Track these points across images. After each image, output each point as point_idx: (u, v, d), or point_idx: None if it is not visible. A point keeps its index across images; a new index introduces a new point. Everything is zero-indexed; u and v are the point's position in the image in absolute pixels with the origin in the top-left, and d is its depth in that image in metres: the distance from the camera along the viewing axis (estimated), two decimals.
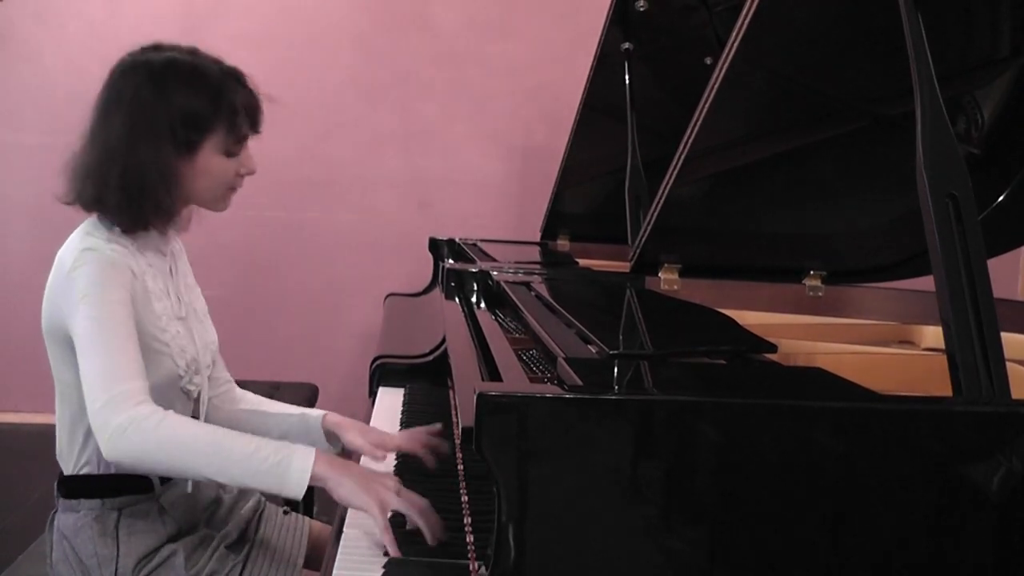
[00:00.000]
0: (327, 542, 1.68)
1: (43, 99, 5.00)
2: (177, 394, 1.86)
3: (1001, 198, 2.25)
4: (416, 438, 1.94)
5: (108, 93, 1.83)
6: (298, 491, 1.61)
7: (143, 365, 1.70)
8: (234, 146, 1.84)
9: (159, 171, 1.77)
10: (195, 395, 1.92)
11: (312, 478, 1.60)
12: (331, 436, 2.02)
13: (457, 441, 2.03)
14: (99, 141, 1.81)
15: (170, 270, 1.92)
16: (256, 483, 1.65)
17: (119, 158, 1.77)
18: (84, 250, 1.74)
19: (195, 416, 1.92)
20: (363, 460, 1.96)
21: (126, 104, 1.79)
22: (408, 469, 1.97)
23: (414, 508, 1.56)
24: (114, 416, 1.61)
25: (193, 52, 1.87)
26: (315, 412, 2.06)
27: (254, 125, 1.88)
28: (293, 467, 1.60)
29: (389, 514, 1.56)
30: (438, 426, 1.98)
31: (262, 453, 1.61)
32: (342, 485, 1.60)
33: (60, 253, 1.80)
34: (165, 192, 1.79)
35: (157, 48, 1.86)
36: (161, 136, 1.77)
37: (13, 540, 2.69)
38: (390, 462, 2.01)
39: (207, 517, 1.99)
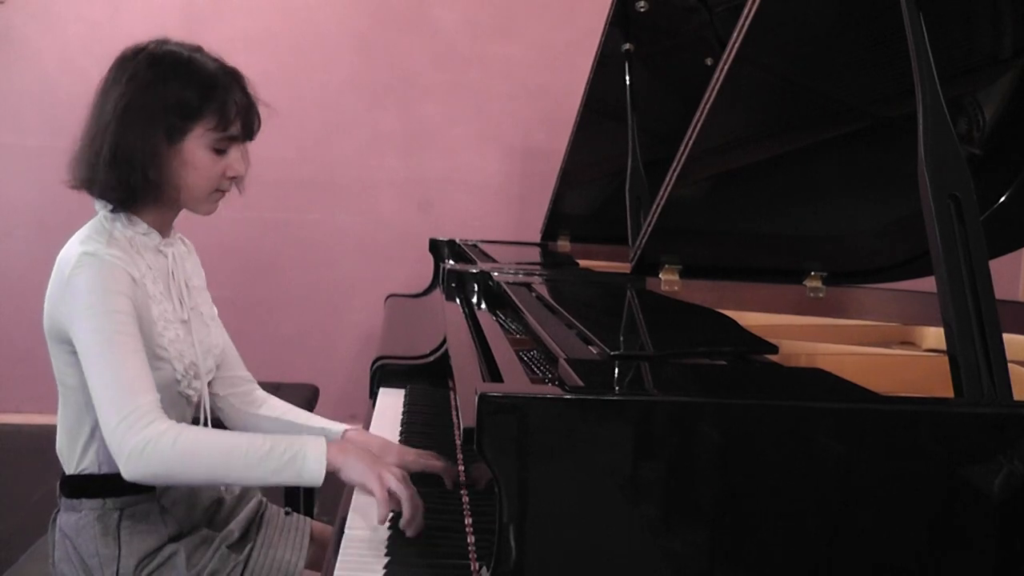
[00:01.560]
0: (328, 543, 1.69)
1: (44, 101, 5.00)
2: (175, 398, 1.87)
3: (1003, 199, 2.25)
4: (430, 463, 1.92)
5: (108, 76, 1.86)
6: (317, 480, 1.67)
7: (151, 375, 1.71)
8: (220, 143, 1.83)
9: (146, 151, 1.78)
10: (194, 399, 1.93)
11: (327, 465, 1.66)
12: None
13: (458, 442, 2.03)
14: (94, 121, 1.84)
15: (171, 272, 1.91)
16: (276, 480, 1.68)
17: (109, 136, 1.79)
18: (83, 254, 1.74)
19: (196, 419, 1.94)
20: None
21: (122, 85, 1.80)
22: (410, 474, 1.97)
23: (404, 492, 1.61)
24: (130, 437, 1.63)
25: (196, 49, 1.89)
26: (336, 428, 2.04)
27: (246, 128, 1.88)
28: (308, 458, 1.66)
29: (388, 487, 1.61)
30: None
31: (277, 450, 1.66)
32: (351, 467, 1.66)
33: (60, 256, 1.80)
34: (154, 172, 1.79)
35: (161, 41, 1.89)
36: (152, 119, 1.78)
37: (15, 540, 2.69)
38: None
39: (208, 517, 1.99)
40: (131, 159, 1.78)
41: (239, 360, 2.13)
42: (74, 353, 1.74)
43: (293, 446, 1.66)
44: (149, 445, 1.62)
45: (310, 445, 1.67)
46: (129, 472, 1.64)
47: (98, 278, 1.72)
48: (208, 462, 1.65)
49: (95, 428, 1.80)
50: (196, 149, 1.81)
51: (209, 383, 1.98)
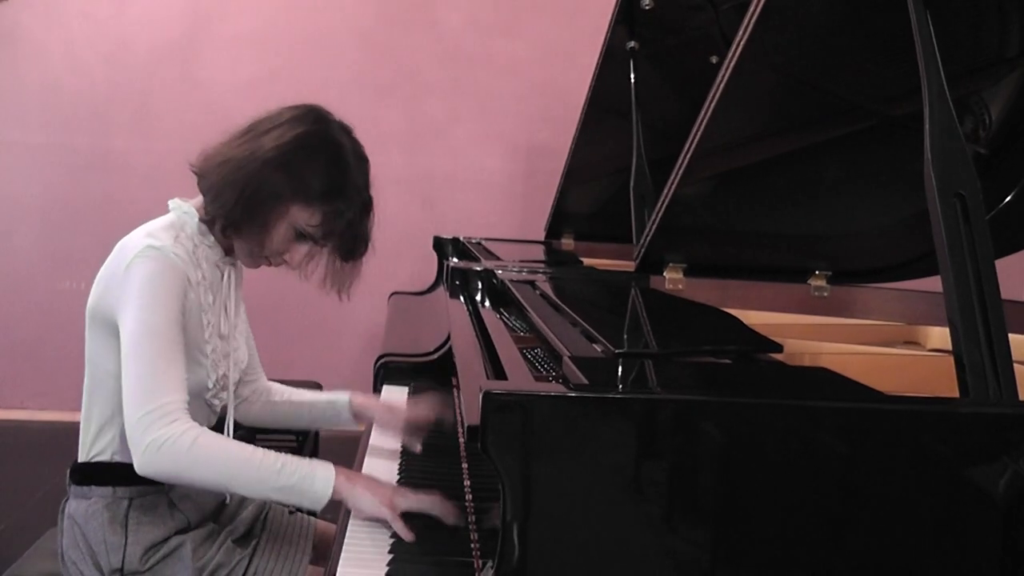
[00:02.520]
0: (332, 540, 1.69)
1: (48, 98, 5.01)
2: (201, 405, 1.90)
3: (1009, 198, 2.25)
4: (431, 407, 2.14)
5: (283, 113, 1.88)
6: (319, 505, 1.70)
7: (184, 376, 1.73)
8: (304, 231, 1.84)
9: (268, 203, 1.81)
10: (217, 409, 1.96)
11: (333, 492, 1.68)
12: (357, 415, 2.18)
13: (461, 440, 2.03)
14: (247, 141, 1.85)
15: (224, 286, 1.94)
16: (280, 497, 1.71)
17: (254, 173, 1.80)
18: (148, 246, 1.76)
19: (219, 427, 1.96)
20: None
21: (288, 137, 1.82)
22: (413, 469, 1.98)
23: (424, 503, 1.66)
24: (149, 432, 1.64)
25: (364, 158, 1.91)
26: (342, 397, 2.20)
27: (339, 247, 1.89)
28: (317, 483, 1.68)
29: (400, 511, 1.65)
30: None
31: (288, 469, 1.68)
32: (357, 498, 1.69)
33: (122, 242, 1.83)
34: (261, 216, 1.81)
35: (346, 128, 1.90)
36: (289, 180, 1.80)
37: (20, 535, 2.69)
38: (394, 466, 2.02)
39: (215, 512, 2.00)
40: (259, 206, 1.80)
41: (258, 362, 2.20)
42: (112, 337, 1.77)
43: (303, 468, 1.68)
44: (167, 443, 1.63)
45: (320, 471, 1.69)
46: (142, 466, 1.65)
47: (157, 272, 1.74)
48: (220, 469, 1.67)
49: (116, 416, 1.81)
50: (284, 218, 1.83)
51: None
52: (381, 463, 2.04)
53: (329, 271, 1.94)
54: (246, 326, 2.11)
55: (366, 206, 1.89)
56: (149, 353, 1.69)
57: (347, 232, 1.86)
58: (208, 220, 1.87)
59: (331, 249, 1.90)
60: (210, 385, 1.88)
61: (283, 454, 1.71)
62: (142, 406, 1.65)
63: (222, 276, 1.94)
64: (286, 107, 1.89)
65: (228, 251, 1.94)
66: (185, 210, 1.89)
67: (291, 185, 1.79)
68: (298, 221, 1.82)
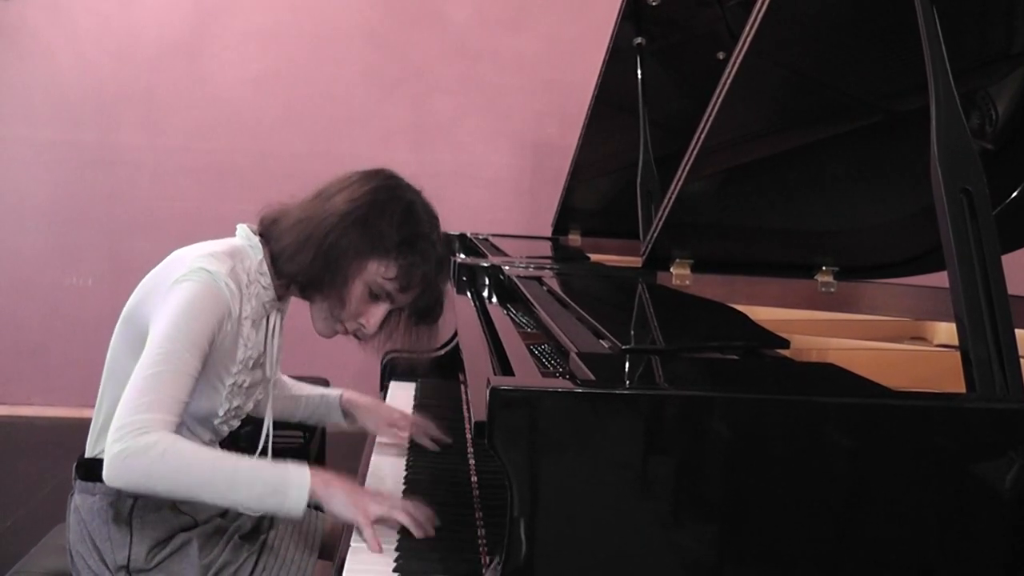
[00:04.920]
0: (340, 535, 1.70)
1: (55, 94, 5.01)
2: (207, 427, 1.89)
3: (1015, 193, 2.25)
4: (423, 429, 2.18)
5: (352, 176, 1.89)
6: (297, 511, 1.67)
7: (184, 400, 1.71)
8: (379, 289, 1.84)
9: (347, 260, 1.80)
10: (225, 433, 1.95)
11: (310, 495, 1.67)
12: (347, 414, 2.22)
13: (468, 436, 2.04)
14: (321, 205, 1.85)
15: (268, 327, 1.93)
16: (256, 506, 1.69)
17: (332, 225, 1.80)
18: (201, 268, 1.75)
19: (256, 434, 1.99)
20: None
21: (361, 192, 1.84)
22: (420, 466, 1.98)
23: (398, 512, 1.65)
24: (120, 442, 1.62)
25: (435, 217, 1.93)
26: (333, 393, 2.26)
27: (413, 304, 1.89)
28: (291, 489, 1.66)
29: (374, 519, 1.64)
30: (448, 440, 2.17)
31: (262, 476, 1.67)
32: (333, 500, 1.68)
33: (179, 253, 1.83)
34: (340, 271, 1.81)
35: (416, 190, 1.93)
36: (364, 236, 1.80)
37: (27, 531, 2.70)
38: (402, 463, 2.03)
39: (222, 509, 2.00)
40: (337, 262, 1.80)
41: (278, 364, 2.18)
42: (139, 341, 1.76)
43: (276, 475, 1.67)
44: (134, 455, 1.61)
45: (293, 476, 1.67)
46: (109, 476, 1.63)
47: (200, 295, 1.73)
48: (188, 480, 1.65)
49: None
50: (361, 275, 1.82)
51: None
52: (388, 460, 2.05)
53: (405, 340, 1.95)
54: (276, 370, 2.09)
55: (441, 262, 1.89)
56: (159, 371, 1.68)
57: (422, 288, 1.86)
58: (283, 285, 1.88)
59: (407, 312, 1.91)
60: (220, 413, 1.86)
61: (259, 461, 1.70)
62: (126, 416, 1.64)
63: (267, 317, 1.92)
64: (355, 171, 1.90)
65: (280, 297, 1.93)
66: (252, 243, 1.88)
67: (368, 239, 1.79)
68: (375, 277, 1.81)
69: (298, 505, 1.66)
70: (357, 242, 1.79)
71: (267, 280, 1.88)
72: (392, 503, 1.67)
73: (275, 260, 1.86)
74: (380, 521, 1.65)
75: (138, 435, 1.62)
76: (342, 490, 1.68)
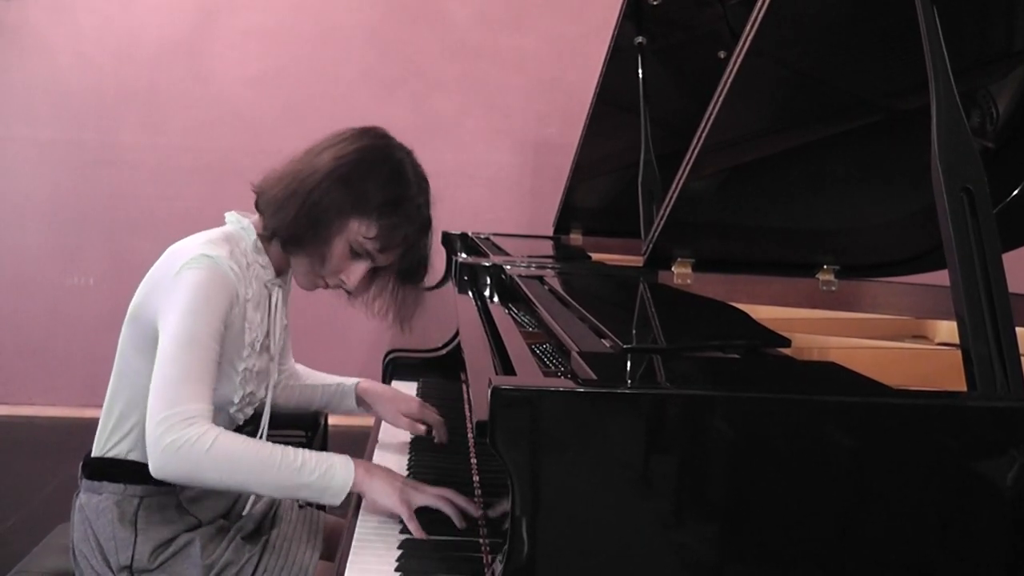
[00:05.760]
0: (342, 534, 1.70)
1: (56, 93, 5.02)
2: (224, 417, 1.90)
3: (1016, 192, 2.25)
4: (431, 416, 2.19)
5: (343, 133, 1.92)
6: (338, 499, 1.70)
7: (212, 388, 1.73)
8: (360, 248, 1.84)
9: (330, 218, 1.81)
10: (240, 421, 1.96)
11: (353, 485, 1.69)
12: (362, 402, 2.24)
13: (470, 436, 2.04)
14: (308, 161, 1.86)
15: (270, 307, 1.94)
16: (301, 495, 1.71)
17: (315, 188, 1.81)
18: (203, 255, 1.76)
19: (256, 424, 1.99)
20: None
21: (349, 152, 1.84)
22: (422, 464, 1.99)
23: (439, 500, 1.67)
24: (169, 434, 1.63)
25: (424, 178, 1.93)
26: (350, 381, 2.26)
27: (400, 264, 1.90)
28: (336, 479, 1.68)
29: (416, 508, 1.66)
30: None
31: (308, 466, 1.67)
32: (375, 491, 1.69)
33: (175, 247, 1.83)
34: (321, 229, 1.82)
35: (407, 149, 1.93)
36: (348, 195, 1.80)
37: (30, 530, 2.70)
38: (403, 462, 2.03)
39: (225, 510, 2.00)
40: (318, 219, 1.80)
41: (289, 347, 2.24)
42: (148, 338, 1.77)
43: (322, 464, 1.68)
44: (186, 445, 1.63)
45: (339, 466, 1.69)
46: (158, 467, 1.65)
47: (207, 281, 1.74)
48: (238, 471, 1.66)
49: (137, 414, 1.83)
50: (342, 234, 1.82)
51: None
52: (390, 457, 2.05)
53: (391, 302, 1.95)
54: (283, 345, 2.11)
55: (425, 224, 1.89)
56: (186, 359, 1.69)
57: (404, 248, 1.86)
58: (266, 236, 1.88)
59: (390, 274, 1.91)
60: (235, 400, 1.87)
61: (301, 450, 1.70)
62: (166, 408, 1.65)
63: (269, 296, 1.93)
64: (348, 128, 1.92)
65: (279, 272, 1.94)
66: (243, 225, 1.89)
67: (350, 198, 1.79)
68: (356, 236, 1.81)
69: (341, 493, 1.68)
70: (339, 201, 1.79)
71: (264, 259, 1.90)
72: (433, 494, 1.68)
73: (261, 215, 1.87)
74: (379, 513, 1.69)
75: (186, 426, 1.64)
76: (384, 480, 1.70)
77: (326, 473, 1.67)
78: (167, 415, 1.64)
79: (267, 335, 1.93)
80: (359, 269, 1.87)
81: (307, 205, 1.79)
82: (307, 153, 1.88)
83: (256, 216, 1.91)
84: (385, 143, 1.90)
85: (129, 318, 1.85)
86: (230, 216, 1.92)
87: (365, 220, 1.81)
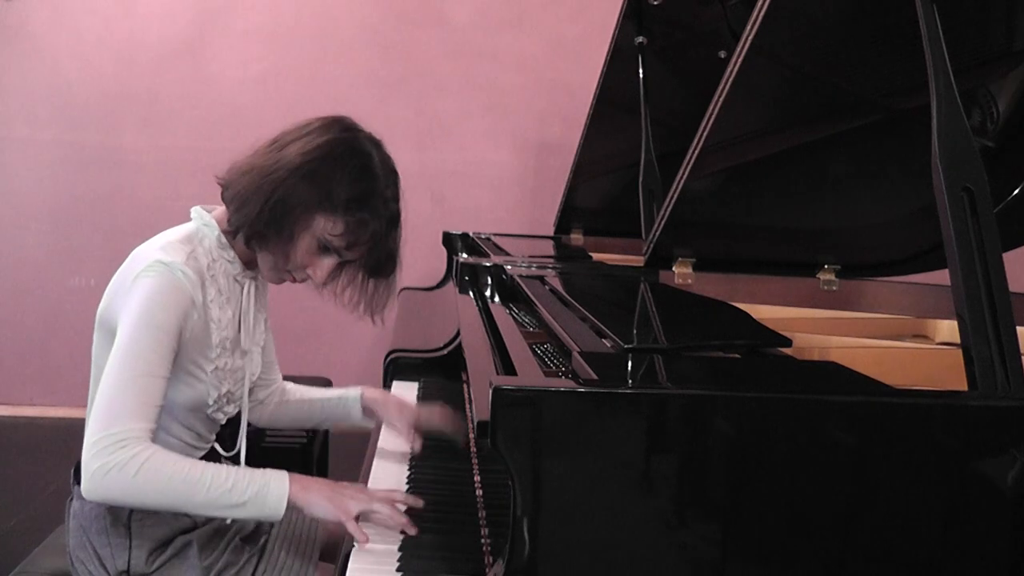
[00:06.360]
0: (342, 536, 1.69)
1: (57, 94, 5.02)
2: (202, 419, 1.89)
3: (1016, 191, 2.25)
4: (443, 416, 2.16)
5: (310, 124, 1.85)
6: (277, 517, 1.68)
7: (158, 404, 1.70)
8: (327, 244, 1.80)
9: (295, 215, 1.76)
10: (222, 421, 1.95)
11: (288, 502, 1.67)
12: (367, 411, 2.20)
13: (471, 436, 2.04)
14: (273, 151, 1.82)
15: (242, 300, 1.92)
16: (237, 514, 1.69)
17: (280, 184, 1.76)
18: (158, 261, 1.73)
19: (234, 431, 1.97)
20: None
21: (316, 146, 1.79)
22: (423, 469, 1.98)
23: (380, 503, 1.68)
24: (98, 458, 1.61)
25: (393, 171, 1.87)
26: (353, 392, 2.21)
27: (365, 260, 1.85)
28: (270, 497, 1.66)
29: (354, 515, 1.67)
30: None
31: (239, 487, 1.65)
32: (311, 504, 1.69)
33: (137, 251, 1.80)
34: (286, 226, 1.77)
35: (376, 142, 1.87)
36: (315, 191, 1.76)
37: (30, 531, 2.71)
38: (404, 467, 2.04)
39: None
40: (284, 216, 1.76)
41: (276, 364, 2.19)
42: (113, 343, 1.74)
43: (255, 482, 1.66)
44: (113, 470, 1.61)
45: (273, 483, 1.67)
46: (88, 491, 1.64)
47: (159, 290, 1.71)
48: (168, 494, 1.64)
49: None
50: (308, 230, 1.78)
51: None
52: (390, 465, 2.05)
53: (361, 294, 1.91)
54: (264, 335, 2.07)
55: (393, 219, 1.83)
56: (125, 374, 1.67)
57: (372, 244, 1.81)
58: (231, 232, 1.84)
59: (359, 267, 1.87)
60: (210, 401, 1.85)
61: (235, 469, 1.68)
62: (100, 430, 1.63)
63: (242, 289, 1.91)
64: (314, 118, 1.86)
65: (249, 265, 1.91)
66: (206, 222, 1.87)
67: (316, 194, 1.75)
68: (322, 232, 1.78)
69: (276, 513, 1.66)
70: (305, 197, 1.75)
71: (230, 254, 1.87)
72: (371, 497, 1.68)
73: (228, 207, 1.83)
74: (363, 518, 1.67)
75: (116, 449, 1.61)
76: (320, 493, 1.69)
77: (259, 492, 1.65)
78: (99, 438, 1.62)
79: (239, 331, 1.91)
80: (326, 264, 1.83)
81: (272, 202, 1.75)
82: (272, 145, 1.84)
83: (222, 208, 1.87)
84: (352, 136, 1.84)
85: (97, 323, 1.82)
86: (194, 211, 1.89)
87: (331, 216, 1.76)
